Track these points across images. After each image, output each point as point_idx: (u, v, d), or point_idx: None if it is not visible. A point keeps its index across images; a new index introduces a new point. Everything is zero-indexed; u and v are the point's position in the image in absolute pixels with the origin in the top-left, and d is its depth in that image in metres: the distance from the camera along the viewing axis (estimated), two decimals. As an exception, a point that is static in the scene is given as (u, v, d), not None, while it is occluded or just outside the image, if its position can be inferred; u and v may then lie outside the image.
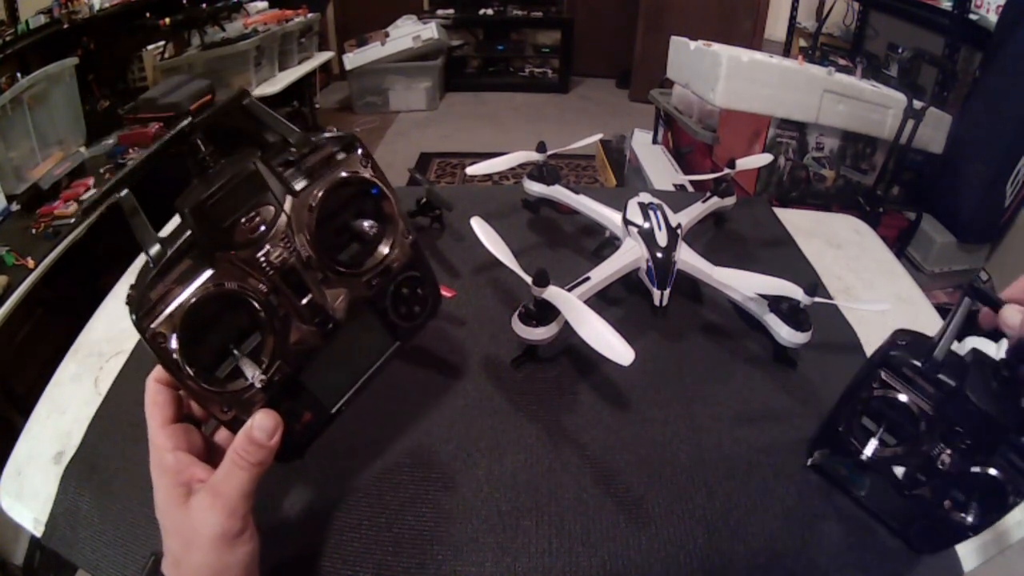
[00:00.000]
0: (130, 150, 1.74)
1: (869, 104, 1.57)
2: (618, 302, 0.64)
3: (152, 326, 0.29)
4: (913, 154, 1.60)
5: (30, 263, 1.27)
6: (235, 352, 0.31)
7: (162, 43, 2.24)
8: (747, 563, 0.42)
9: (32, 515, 0.45)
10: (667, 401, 0.53)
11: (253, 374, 0.31)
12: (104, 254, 1.48)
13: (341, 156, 0.34)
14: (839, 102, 1.55)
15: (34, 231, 1.37)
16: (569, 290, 0.52)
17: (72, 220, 1.42)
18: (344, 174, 0.34)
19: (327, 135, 0.35)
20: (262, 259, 0.31)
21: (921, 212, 1.71)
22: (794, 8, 2.74)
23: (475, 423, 0.50)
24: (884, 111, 1.57)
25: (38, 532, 0.45)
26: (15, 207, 1.44)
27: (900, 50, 2.08)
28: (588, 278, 0.57)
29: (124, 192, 0.32)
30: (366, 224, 0.35)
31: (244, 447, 0.31)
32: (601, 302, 0.62)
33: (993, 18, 1.65)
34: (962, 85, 1.83)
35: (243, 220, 0.31)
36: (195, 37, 2.33)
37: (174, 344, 0.30)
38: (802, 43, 2.73)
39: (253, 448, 0.31)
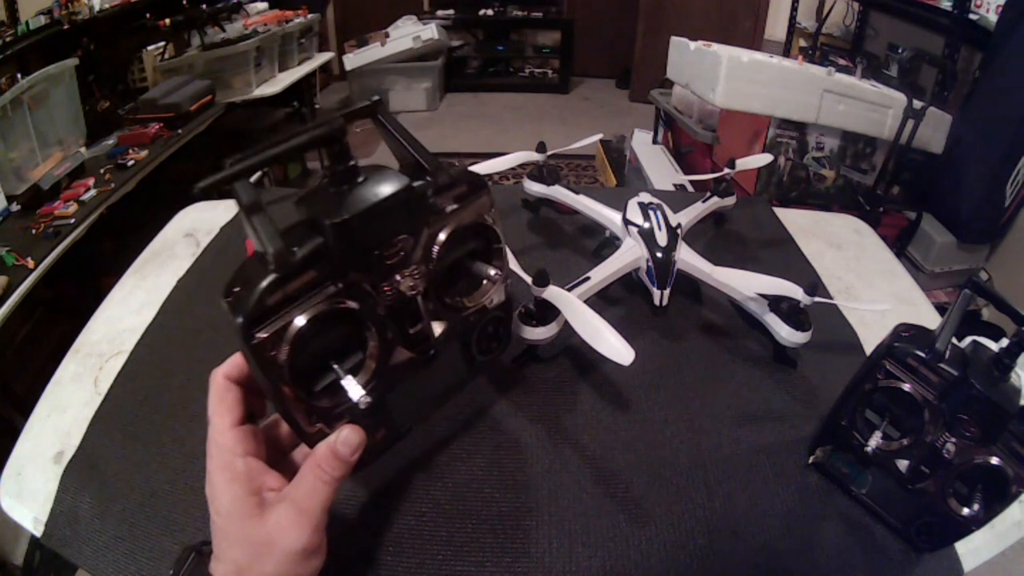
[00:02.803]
0: (130, 151, 1.74)
1: (869, 104, 1.57)
2: (618, 302, 0.64)
3: (262, 334, 0.27)
4: (913, 154, 1.60)
5: (30, 263, 1.27)
6: (336, 368, 0.31)
7: (162, 44, 2.24)
8: (747, 563, 0.42)
9: (32, 515, 0.45)
10: (667, 401, 0.53)
11: (358, 396, 0.30)
12: (104, 254, 1.49)
13: (472, 197, 0.34)
14: (839, 102, 1.55)
15: (34, 231, 1.37)
16: (569, 290, 0.52)
17: (72, 220, 1.42)
18: (475, 219, 0.34)
19: (459, 171, 0.34)
20: (387, 286, 0.31)
21: (921, 212, 1.71)
22: (794, 8, 2.74)
23: (475, 423, 0.50)
24: (884, 111, 1.57)
25: (38, 532, 0.45)
26: (15, 207, 1.44)
27: (900, 50, 2.08)
28: (588, 278, 0.57)
29: (240, 181, 0.28)
30: (491, 271, 0.36)
31: (328, 461, 0.31)
32: (601, 302, 0.62)
33: (993, 18, 1.64)
34: (962, 85, 1.83)
35: (386, 248, 0.30)
36: (195, 38, 2.33)
37: (284, 356, 0.28)
38: (802, 43, 2.73)
39: (336, 463, 0.31)
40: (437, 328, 0.35)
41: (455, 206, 0.34)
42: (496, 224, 0.36)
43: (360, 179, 0.30)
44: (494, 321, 0.39)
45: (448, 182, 0.33)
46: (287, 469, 0.33)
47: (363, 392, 0.30)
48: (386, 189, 0.30)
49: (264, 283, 0.27)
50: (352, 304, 0.30)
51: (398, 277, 0.31)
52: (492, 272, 0.37)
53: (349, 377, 0.31)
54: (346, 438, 0.31)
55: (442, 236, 0.33)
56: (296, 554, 0.30)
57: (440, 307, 0.35)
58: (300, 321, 0.28)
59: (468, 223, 0.34)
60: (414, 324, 0.33)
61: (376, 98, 0.33)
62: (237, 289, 0.28)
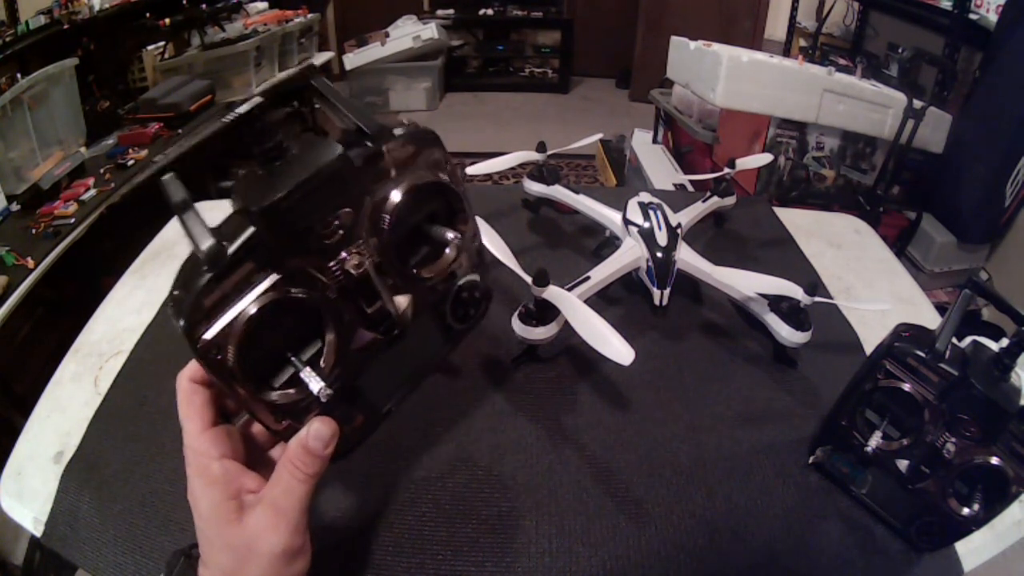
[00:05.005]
0: (130, 150, 1.74)
1: (869, 104, 1.57)
2: (618, 302, 0.64)
3: (206, 336, 0.26)
4: (913, 154, 1.60)
5: (30, 263, 1.27)
6: (294, 360, 0.29)
7: (162, 43, 2.24)
8: (747, 563, 0.42)
9: (32, 515, 0.45)
10: (667, 401, 0.53)
11: (318, 387, 0.29)
12: (104, 254, 1.49)
13: (420, 156, 0.32)
14: (839, 102, 1.55)
15: (34, 231, 1.37)
16: (569, 290, 0.52)
17: (72, 220, 1.42)
18: (427, 179, 0.31)
19: (404, 130, 0.32)
20: (334, 266, 0.29)
21: (921, 212, 1.71)
22: (794, 8, 2.74)
23: (475, 423, 0.50)
24: (884, 111, 1.57)
25: (38, 532, 0.45)
26: (15, 207, 1.44)
27: (900, 50, 2.08)
28: (588, 278, 0.57)
29: (168, 176, 0.27)
30: (450, 235, 0.33)
31: (300, 458, 0.30)
32: (601, 302, 0.62)
33: (993, 18, 1.65)
34: (962, 85, 1.83)
35: (323, 226, 0.28)
36: (195, 37, 2.33)
37: (231, 357, 0.27)
38: (802, 43, 2.73)
39: (309, 458, 0.30)
40: (403, 302, 0.32)
41: (401, 169, 0.31)
42: (456, 181, 0.33)
43: (289, 154, 0.28)
44: (469, 287, 0.36)
45: (392, 145, 0.30)
46: (267, 468, 0.32)
47: (323, 384, 0.29)
48: (315, 161, 0.27)
49: (200, 284, 0.26)
50: (298, 292, 0.28)
51: (344, 255, 0.29)
52: (451, 236, 0.33)
53: (308, 369, 0.29)
54: (316, 432, 0.30)
55: (389, 203, 0.30)
56: (277, 557, 0.29)
57: (401, 280, 0.32)
58: (243, 318, 0.26)
59: (418, 185, 0.31)
60: (371, 303, 0.31)
61: (308, 62, 0.31)
62: (177, 292, 0.26)
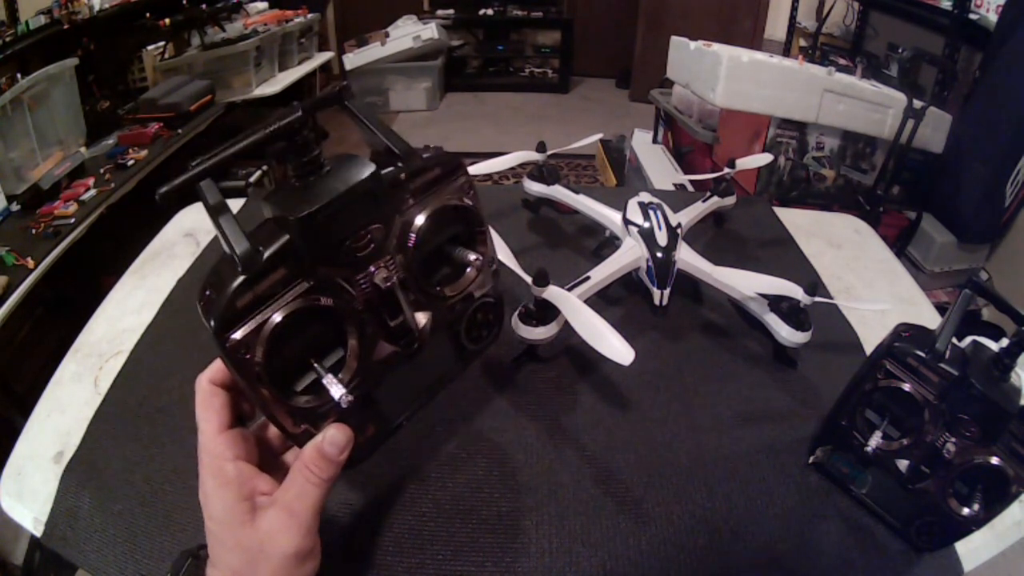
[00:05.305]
0: (130, 150, 1.74)
1: (869, 104, 1.57)
2: (618, 302, 0.64)
3: (235, 336, 0.27)
4: (913, 154, 1.60)
5: (30, 263, 1.27)
6: (317, 367, 0.30)
7: (162, 43, 2.24)
8: (747, 563, 0.42)
9: (32, 515, 0.45)
10: (667, 401, 0.53)
11: (339, 393, 0.30)
12: (104, 254, 1.49)
13: (447, 179, 0.33)
14: (839, 102, 1.55)
15: (34, 231, 1.37)
16: (569, 290, 0.52)
17: (72, 220, 1.42)
18: (452, 202, 0.33)
19: (432, 154, 0.33)
20: (362, 278, 0.30)
21: (921, 212, 1.71)
22: (794, 8, 2.74)
23: (475, 423, 0.50)
24: (884, 111, 1.57)
25: (38, 532, 0.45)
26: (15, 207, 1.44)
27: (900, 50, 2.08)
28: (588, 278, 0.57)
29: (205, 181, 0.28)
30: (471, 256, 0.35)
31: (315, 462, 0.30)
32: (601, 302, 0.62)
33: (993, 18, 1.65)
34: (962, 85, 1.83)
35: (355, 239, 0.29)
36: (195, 37, 2.33)
37: (259, 357, 0.28)
38: (802, 43, 2.73)
39: (324, 463, 0.30)
40: (422, 319, 0.34)
41: (429, 191, 0.33)
42: (477, 206, 0.35)
43: (325, 170, 0.30)
44: (483, 308, 0.38)
45: (420, 167, 0.32)
46: (279, 471, 0.33)
47: (345, 391, 0.30)
48: (351, 178, 0.29)
49: (233, 285, 0.27)
50: (326, 300, 0.29)
51: (372, 268, 0.30)
52: (473, 257, 0.35)
53: (330, 375, 0.30)
54: (332, 438, 0.31)
55: (416, 223, 0.32)
56: (289, 558, 0.30)
57: (423, 297, 0.34)
58: (273, 321, 0.27)
59: (444, 207, 0.33)
60: (394, 317, 0.32)
61: (343, 83, 0.32)
62: (208, 292, 0.27)
